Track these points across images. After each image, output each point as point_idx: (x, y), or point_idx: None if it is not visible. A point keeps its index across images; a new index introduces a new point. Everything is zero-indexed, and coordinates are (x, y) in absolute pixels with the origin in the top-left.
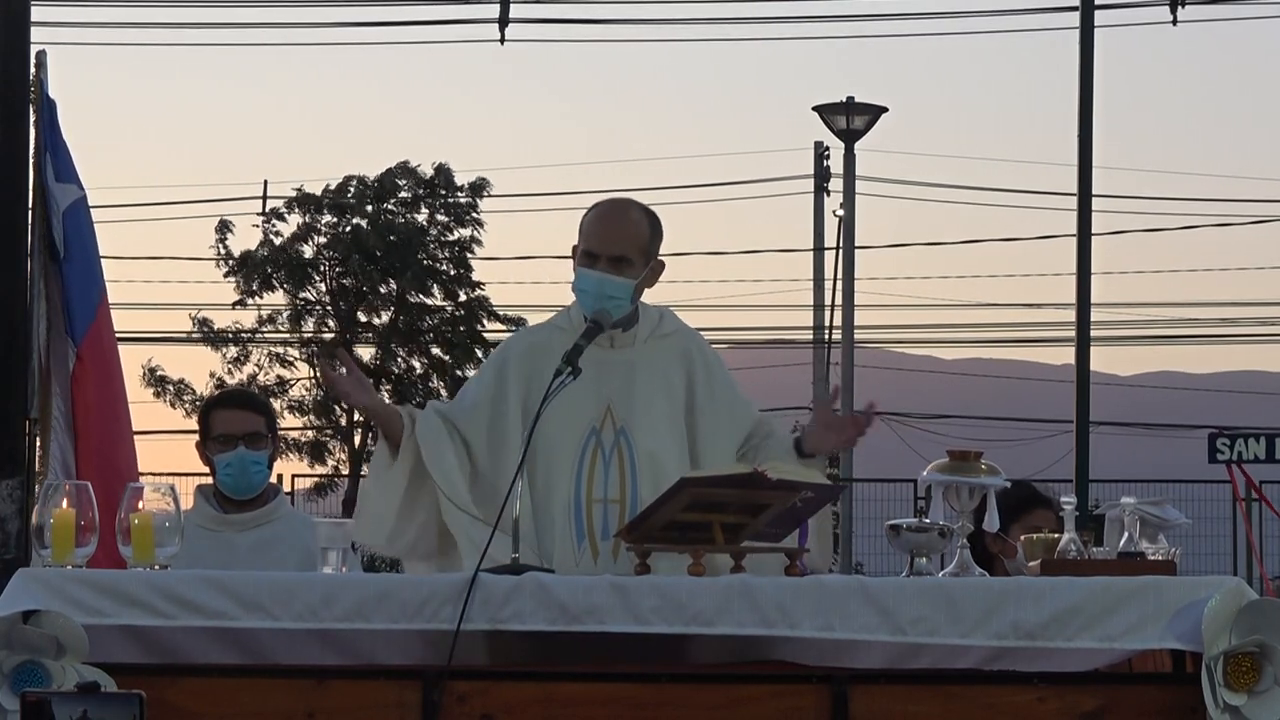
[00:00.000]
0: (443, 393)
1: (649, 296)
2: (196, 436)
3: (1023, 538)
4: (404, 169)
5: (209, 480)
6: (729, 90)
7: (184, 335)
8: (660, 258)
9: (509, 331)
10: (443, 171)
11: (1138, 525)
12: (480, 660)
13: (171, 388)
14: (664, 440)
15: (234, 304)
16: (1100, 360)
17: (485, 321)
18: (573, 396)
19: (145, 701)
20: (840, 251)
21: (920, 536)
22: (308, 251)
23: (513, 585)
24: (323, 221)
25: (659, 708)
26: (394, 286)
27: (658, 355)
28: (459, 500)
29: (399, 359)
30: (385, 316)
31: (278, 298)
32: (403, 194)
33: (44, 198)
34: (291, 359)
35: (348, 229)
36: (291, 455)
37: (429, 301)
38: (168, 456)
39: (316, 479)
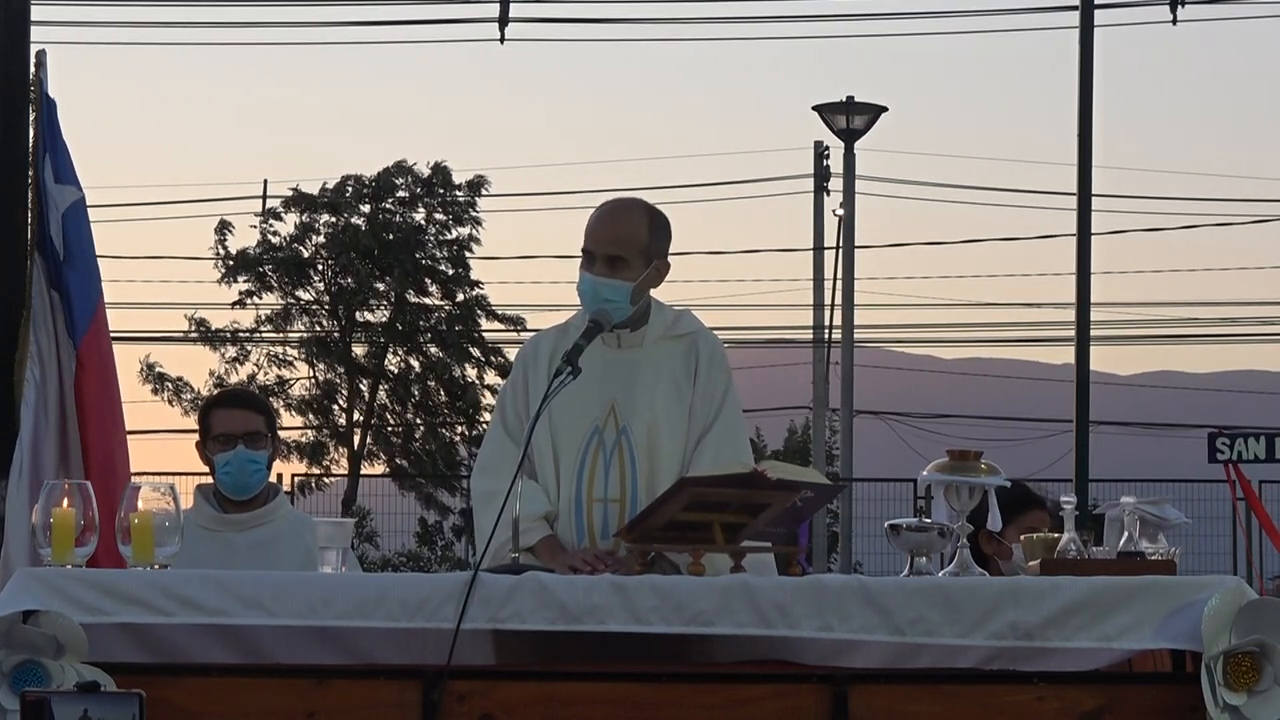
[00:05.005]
0: (441, 394)
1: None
2: (196, 436)
3: (1022, 537)
4: (402, 168)
5: (209, 480)
6: (729, 90)
7: (181, 335)
8: (667, 258)
9: (507, 331)
10: (441, 170)
11: (1137, 525)
12: (486, 660)
13: (170, 385)
14: (666, 440)
15: (234, 304)
16: (1100, 360)
17: (483, 321)
18: (578, 396)
19: (145, 701)
20: (840, 251)
21: (920, 536)
22: (305, 251)
23: (512, 585)
24: (321, 221)
25: (659, 708)
26: (392, 285)
27: (666, 355)
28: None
29: (397, 358)
30: (383, 315)
31: (276, 297)
32: (400, 193)
33: (40, 198)
34: (290, 359)
35: (346, 228)
36: (292, 456)
37: (427, 301)
38: (167, 456)
39: (303, 476)
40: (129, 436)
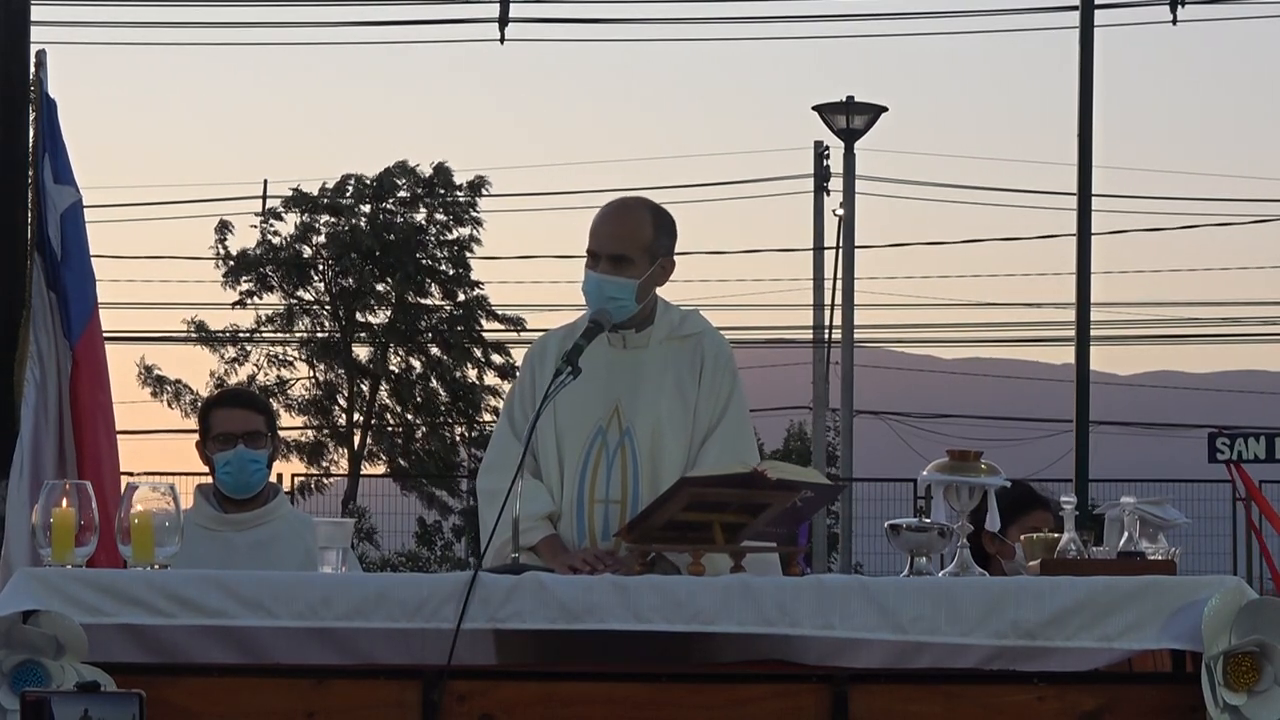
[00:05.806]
0: (441, 393)
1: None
2: (196, 436)
3: (1022, 537)
4: (403, 168)
5: (209, 480)
6: (729, 90)
7: (181, 335)
8: (672, 256)
9: (507, 331)
10: (441, 170)
11: (1138, 525)
12: (486, 660)
13: (170, 388)
14: (669, 441)
15: (234, 304)
16: (1100, 360)
17: (483, 321)
18: (583, 396)
19: (145, 701)
20: (840, 251)
21: (920, 536)
22: (306, 251)
23: (512, 584)
24: (321, 221)
25: (659, 708)
26: (393, 286)
27: (672, 356)
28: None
29: (397, 358)
30: (384, 316)
31: (277, 298)
32: (401, 193)
33: (40, 198)
34: (290, 359)
35: (346, 228)
36: (292, 457)
37: (427, 301)
38: (167, 456)
39: (303, 477)
40: (127, 437)
